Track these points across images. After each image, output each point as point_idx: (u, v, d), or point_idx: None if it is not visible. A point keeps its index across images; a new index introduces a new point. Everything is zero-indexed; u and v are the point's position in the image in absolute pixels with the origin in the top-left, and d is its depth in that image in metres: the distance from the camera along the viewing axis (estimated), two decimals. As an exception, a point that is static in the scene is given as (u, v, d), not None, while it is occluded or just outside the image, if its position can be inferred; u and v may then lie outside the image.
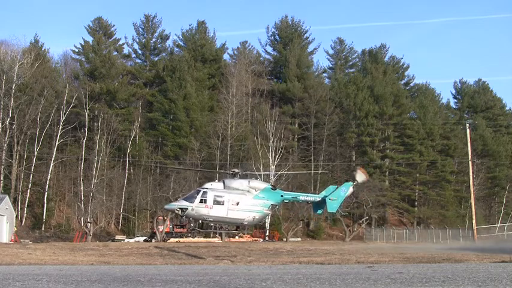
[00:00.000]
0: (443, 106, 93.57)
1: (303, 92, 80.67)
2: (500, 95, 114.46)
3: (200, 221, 30.79)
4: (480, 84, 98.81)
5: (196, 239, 59.54)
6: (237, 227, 31.97)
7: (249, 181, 31.15)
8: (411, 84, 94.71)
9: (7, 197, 56.98)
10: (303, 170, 74.42)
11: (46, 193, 66.69)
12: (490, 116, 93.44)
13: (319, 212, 34.54)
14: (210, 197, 29.69)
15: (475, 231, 59.96)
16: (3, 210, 54.71)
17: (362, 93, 78.87)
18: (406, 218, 79.70)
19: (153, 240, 56.81)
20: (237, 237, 63.87)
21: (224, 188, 30.24)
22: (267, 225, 65.31)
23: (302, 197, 33.75)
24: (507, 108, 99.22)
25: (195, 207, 29.54)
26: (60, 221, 69.24)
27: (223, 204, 29.75)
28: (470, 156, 62.97)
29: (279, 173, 63.61)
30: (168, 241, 54.76)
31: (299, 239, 65.47)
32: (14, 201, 62.32)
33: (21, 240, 56.37)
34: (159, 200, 62.49)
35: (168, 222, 60.24)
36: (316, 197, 32.67)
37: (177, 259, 34.32)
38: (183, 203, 30.06)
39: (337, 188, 31.96)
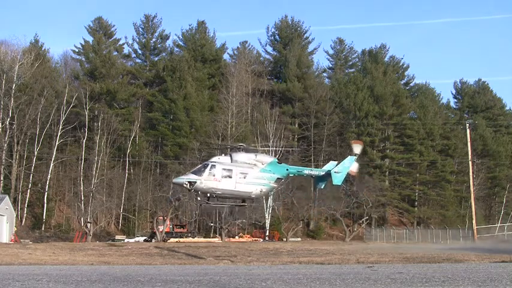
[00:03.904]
0: (443, 106, 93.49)
1: (303, 92, 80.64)
2: (500, 95, 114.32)
3: (208, 195, 30.37)
4: (480, 84, 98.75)
5: (196, 239, 59.59)
6: (243, 200, 31.76)
7: (255, 154, 31.24)
8: (411, 84, 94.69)
9: (7, 197, 56.96)
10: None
11: (46, 193, 66.64)
12: (490, 116, 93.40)
13: (322, 186, 34.85)
14: (218, 170, 29.54)
15: (475, 231, 59.95)
16: (3, 210, 54.69)
17: (362, 93, 78.83)
18: (406, 218, 79.65)
19: (153, 240, 56.80)
20: (237, 237, 63.96)
21: (231, 162, 30.17)
22: (267, 225, 65.32)
23: (307, 171, 33.99)
24: (507, 108, 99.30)
25: (203, 181, 29.27)
26: (60, 221, 69.21)
27: (231, 178, 29.66)
28: (470, 156, 62.96)
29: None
30: (168, 241, 54.78)
31: (299, 239, 65.45)
32: (14, 201, 62.28)
33: (21, 240, 56.35)
34: (159, 200, 62.44)
35: (168, 222, 60.22)
36: (320, 171, 32.96)
37: (177, 259, 34.34)
38: (192, 176, 29.70)
39: (340, 162, 32.35)
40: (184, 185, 29.85)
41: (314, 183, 36.26)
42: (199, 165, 31.71)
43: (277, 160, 32.73)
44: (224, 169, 29.73)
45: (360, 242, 60.51)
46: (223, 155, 31.29)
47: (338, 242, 61.06)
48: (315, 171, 33.75)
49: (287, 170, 32.39)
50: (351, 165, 32.20)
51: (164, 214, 60.23)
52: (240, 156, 30.45)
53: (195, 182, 29.35)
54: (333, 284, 11.21)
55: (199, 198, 30.70)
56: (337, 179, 31.78)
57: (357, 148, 32.77)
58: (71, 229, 66.49)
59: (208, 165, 30.04)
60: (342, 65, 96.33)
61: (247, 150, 31.40)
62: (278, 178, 31.59)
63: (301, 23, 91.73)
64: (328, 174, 31.81)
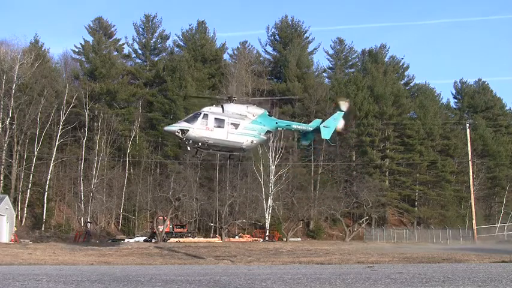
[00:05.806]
0: (443, 106, 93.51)
1: (303, 92, 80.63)
2: (500, 95, 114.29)
3: (199, 144, 29.89)
4: (480, 84, 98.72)
5: (196, 239, 59.58)
6: (231, 151, 31.72)
7: (247, 106, 31.44)
8: (411, 84, 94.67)
9: (7, 197, 56.91)
10: (302, 172, 74.24)
11: (46, 193, 66.57)
12: (490, 116, 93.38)
13: (306, 142, 35.73)
14: (210, 120, 29.48)
15: (475, 231, 60.03)
16: (3, 210, 54.66)
17: (362, 93, 78.82)
18: (406, 218, 79.63)
19: (153, 240, 56.80)
20: (237, 237, 63.95)
21: (223, 112, 30.20)
22: (267, 225, 65.31)
23: (295, 125, 34.91)
24: (507, 108, 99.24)
25: (196, 129, 29.11)
26: (60, 221, 69.15)
27: (223, 127, 29.72)
28: (470, 156, 63.06)
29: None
30: (168, 241, 54.78)
31: (299, 239, 65.46)
32: (14, 201, 62.22)
33: (21, 240, 56.31)
34: (159, 200, 62.40)
35: (168, 222, 60.22)
36: (308, 127, 33.79)
37: (177, 259, 34.38)
38: (184, 125, 29.46)
39: (324, 119, 33.78)
40: (176, 133, 29.46)
41: (299, 139, 37.15)
42: (191, 114, 31.40)
43: (267, 112, 32.78)
44: (216, 119, 29.68)
45: (360, 242, 60.51)
46: (214, 105, 31.18)
47: (338, 242, 61.04)
48: (303, 126, 34.53)
49: (276, 123, 33.03)
50: (339, 120, 33.08)
51: (164, 214, 60.22)
52: (232, 107, 30.57)
53: (187, 130, 29.11)
54: (333, 284, 11.20)
55: (189, 148, 30.56)
56: (325, 134, 32.84)
57: (343, 105, 33.93)
58: (71, 229, 66.45)
59: (200, 114, 29.83)
60: (342, 65, 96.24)
61: (238, 102, 31.56)
62: (268, 131, 32.14)
63: (301, 23, 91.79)
64: (316, 130, 32.61)
